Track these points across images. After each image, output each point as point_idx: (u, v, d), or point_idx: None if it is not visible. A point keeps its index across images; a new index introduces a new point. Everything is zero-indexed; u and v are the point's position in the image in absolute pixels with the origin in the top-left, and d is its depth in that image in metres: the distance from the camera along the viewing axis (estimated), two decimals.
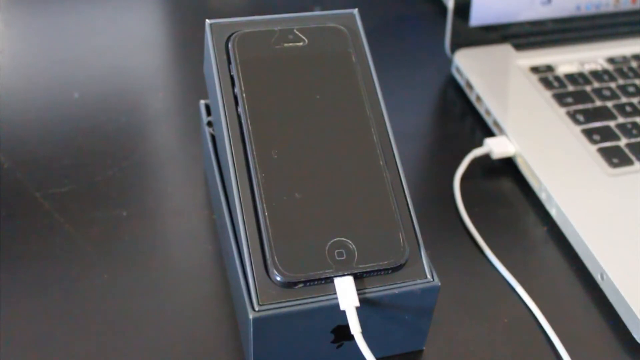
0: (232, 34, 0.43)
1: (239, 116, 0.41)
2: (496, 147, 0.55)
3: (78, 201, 0.50)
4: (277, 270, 0.36)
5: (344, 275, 0.37)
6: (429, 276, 0.39)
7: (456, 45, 0.63)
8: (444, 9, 0.68)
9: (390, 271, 0.38)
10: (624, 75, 0.62)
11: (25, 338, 0.43)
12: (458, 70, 0.63)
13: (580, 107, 0.59)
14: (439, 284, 0.39)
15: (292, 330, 0.38)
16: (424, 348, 0.43)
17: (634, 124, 0.57)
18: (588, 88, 0.61)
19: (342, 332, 0.39)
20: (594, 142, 0.55)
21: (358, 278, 0.37)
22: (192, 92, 0.60)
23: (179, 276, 0.47)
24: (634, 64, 0.64)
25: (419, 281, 0.38)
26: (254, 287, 0.37)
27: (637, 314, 0.44)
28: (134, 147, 0.55)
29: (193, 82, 0.61)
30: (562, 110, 0.58)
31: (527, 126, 0.57)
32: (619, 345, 0.44)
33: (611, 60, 0.64)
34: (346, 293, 0.36)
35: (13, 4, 0.68)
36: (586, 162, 0.54)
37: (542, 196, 0.53)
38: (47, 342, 0.42)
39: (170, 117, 0.59)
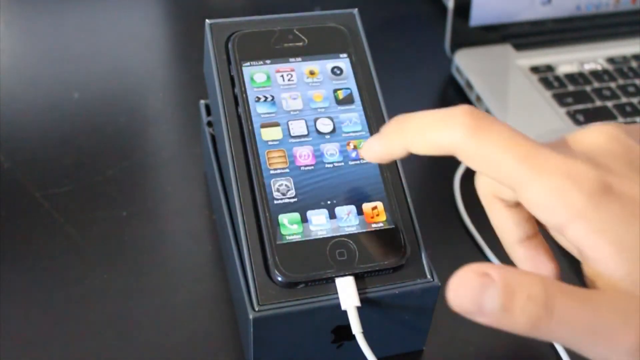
0: (232, 34, 0.43)
1: (239, 116, 0.41)
2: None
3: (78, 201, 0.50)
4: (278, 271, 0.36)
5: (345, 275, 0.37)
6: (429, 276, 0.39)
7: (456, 45, 0.63)
8: (444, 9, 0.68)
9: (390, 271, 0.38)
10: (624, 75, 0.62)
11: (25, 338, 0.43)
12: (458, 70, 0.63)
13: (580, 107, 0.59)
14: (439, 284, 0.39)
15: (293, 331, 0.38)
16: (424, 348, 0.43)
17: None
18: (588, 88, 0.61)
19: (343, 332, 0.39)
20: None
21: (359, 278, 0.37)
22: (192, 92, 0.60)
23: (179, 276, 0.47)
24: (634, 64, 0.64)
25: (419, 281, 0.38)
26: (254, 287, 0.37)
27: None
28: (134, 147, 0.55)
29: (193, 82, 0.61)
30: (562, 110, 0.58)
31: (527, 126, 0.56)
32: None
33: (611, 60, 0.64)
34: (347, 293, 0.36)
35: (13, 4, 0.68)
36: None
37: None
38: (47, 342, 0.42)
39: (170, 117, 0.59)
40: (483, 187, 0.33)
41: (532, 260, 0.33)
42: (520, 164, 0.27)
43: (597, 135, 0.30)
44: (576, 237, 0.27)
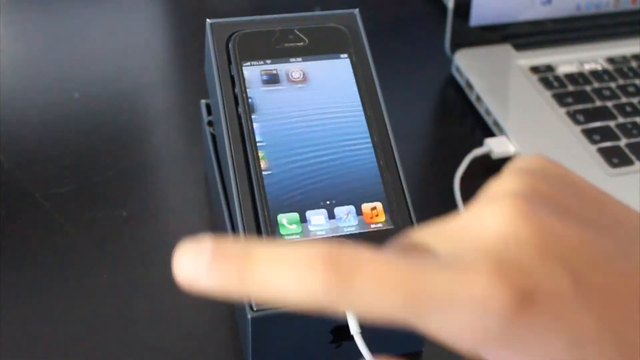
0: (233, 34, 0.43)
1: (239, 116, 0.41)
2: (496, 147, 0.55)
3: (78, 201, 0.50)
4: None
5: None
6: None
7: (456, 45, 0.63)
8: (444, 9, 0.68)
9: None
10: (624, 75, 0.62)
11: (25, 338, 0.43)
12: (458, 70, 0.63)
13: (580, 107, 0.59)
14: None
15: (291, 331, 0.38)
16: (423, 349, 0.43)
17: (634, 124, 0.57)
18: (588, 88, 0.61)
19: (341, 333, 0.39)
20: (594, 142, 0.55)
21: None
22: (192, 92, 0.60)
23: None
24: (634, 64, 0.64)
25: None
26: None
27: None
28: (134, 147, 0.55)
29: (193, 82, 0.61)
30: (562, 110, 0.58)
31: (527, 126, 0.57)
32: None
33: (611, 60, 0.64)
34: None
35: (13, 4, 0.68)
36: (586, 162, 0.54)
37: None
38: (47, 342, 0.42)
39: (170, 117, 0.59)
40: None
41: None
42: (408, 301, 0.21)
43: (502, 219, 0.23)
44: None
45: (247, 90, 0.41)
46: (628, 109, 0.59)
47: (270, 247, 0.22)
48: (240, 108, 0.41)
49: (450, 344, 0.22)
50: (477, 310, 0.21)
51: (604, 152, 0.55)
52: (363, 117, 0.42)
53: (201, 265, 0.23)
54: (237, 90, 0.41)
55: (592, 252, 0.23)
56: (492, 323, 0.21)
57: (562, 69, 0.62)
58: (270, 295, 0.22)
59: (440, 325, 0.22)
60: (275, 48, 0.43)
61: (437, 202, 0.53)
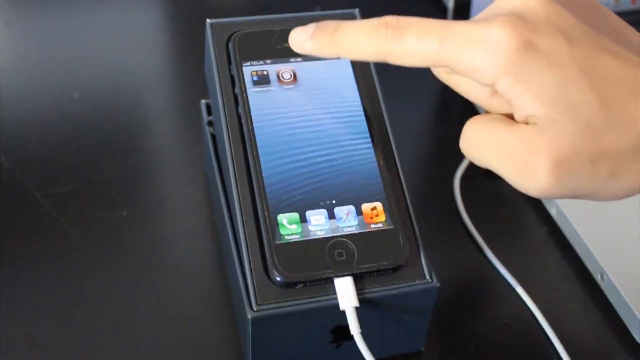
0: (233, 33, 0.43)
1: (239, 116, 0.41)
2: None
3: (78, 201, 0.50)
4: (277, 271, 0.36)
5: (343, 275, 0.37)
6: (428, 277, 0.39)
7: None
8: (444, 9, 0.68)
9: (389, 272, 0.38)
10: None
11: (25, 338, 0.43)
12: None
13: None
14: (438, 284, 0.39)
15: (291, 330, 0.38)
16: (424, 349, 0.43)
17: None
18: None
19: (341, 332, 0.39)
20: None
21: (358, 278, 0.37)
22: (192, 92, 0.60)
23: (179, 276, 0.47)
24: None
25: (418, 282, 0.38)
26: (253, 287, 0.37)
27: (637, 314, 0.44)
28: (134, 147, 0.55)
29: (193, 82, 0.61)
30: None
31: None
32: (619, 345, 0.44)
33: None
34: (346, 293, 0.37)
35: (13, 4, 0.68)
36: None
37: None
38: (47, 342, 0.43)
39: (170, 117, 0.59)
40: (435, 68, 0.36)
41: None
42: (442, 45, 0.31)
43: None
44: (503, 91, 0.30)
45: (247, 90, 0.41)
46: None
47: (350, 22, 0.34)
48: (240, 108, 0.41)
49: (476, 79, 0.31)
50: (491, 48, 0.30)
51: None
52: (363, 117, 0.42)
53: (307, 34, 0.35)
54: (237, 90, 0.41)
55: (589, 34, 0.31)
56: (502, 58, 0.30)
57: None
58: (349, 50, 0.33)
59: (467, 63, 0.31)
60: (276, 48, 0.43)
61: (437, 202, 0.53)
